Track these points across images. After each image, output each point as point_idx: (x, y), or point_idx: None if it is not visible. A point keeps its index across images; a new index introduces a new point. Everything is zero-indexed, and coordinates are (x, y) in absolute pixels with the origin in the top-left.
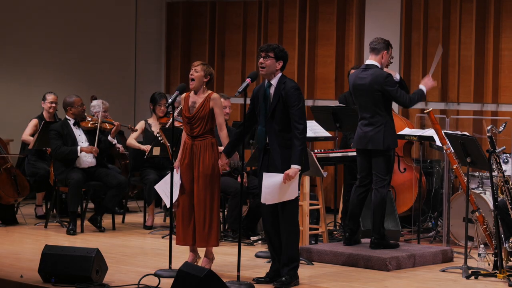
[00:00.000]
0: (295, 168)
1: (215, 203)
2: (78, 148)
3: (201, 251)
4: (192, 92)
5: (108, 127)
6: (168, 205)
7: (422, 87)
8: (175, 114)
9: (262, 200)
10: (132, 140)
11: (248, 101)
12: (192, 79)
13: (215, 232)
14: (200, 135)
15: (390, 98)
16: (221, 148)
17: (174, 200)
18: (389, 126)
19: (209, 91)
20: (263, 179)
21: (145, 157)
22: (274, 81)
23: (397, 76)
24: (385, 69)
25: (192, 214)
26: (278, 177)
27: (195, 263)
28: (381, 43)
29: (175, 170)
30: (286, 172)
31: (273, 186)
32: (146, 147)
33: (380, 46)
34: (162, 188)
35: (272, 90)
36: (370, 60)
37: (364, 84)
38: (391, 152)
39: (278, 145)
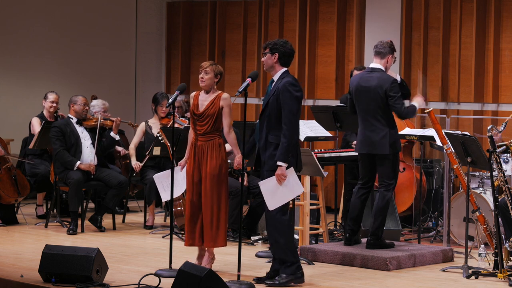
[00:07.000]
0: (280, 165)
1: (222, 203)
2: (77, 163)
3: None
4: (203, 91)
5: (109, 124)
6: (162, 198)
7: (415, 103)
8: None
9: (269, 208)
10: (132, 149)
11: (248, 101)
12: (203, 81)
13: (223, 232)
14: (208, 132)
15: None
16: (228, 147)
17: (174, 196)
18: (394, 129)
19: (219, 91)
20: (260, 188)
21: (146, 153)
22: (275, 77)
23: (397, 77)
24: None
25: (200, 215)
26: (272, 181)
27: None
28: (386, 47)
29: (179, 168)
30: (276, 173)
31: (271, 190)
32: (136, 165)
33: (386, 50)
34: (161, 180)
35: (272, 85)
36: (375, 63)
37: (369, 87)
38: (396, 155)
39: (265, 140)
